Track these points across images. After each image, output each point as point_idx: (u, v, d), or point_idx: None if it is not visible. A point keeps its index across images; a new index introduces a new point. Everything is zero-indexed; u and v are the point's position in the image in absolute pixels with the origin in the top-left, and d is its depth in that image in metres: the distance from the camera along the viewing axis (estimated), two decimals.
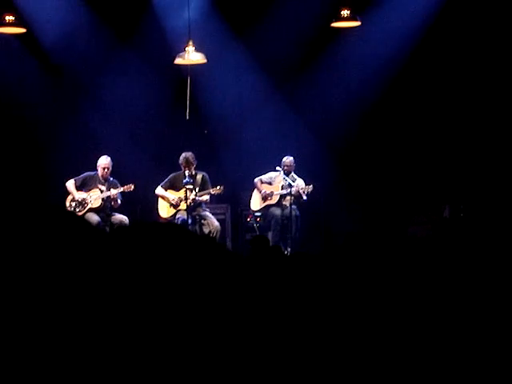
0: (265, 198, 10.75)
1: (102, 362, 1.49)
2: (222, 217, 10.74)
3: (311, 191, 10.39)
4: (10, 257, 1.58)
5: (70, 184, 10.11)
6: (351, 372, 1.96)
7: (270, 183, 10.79)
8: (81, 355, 1.50)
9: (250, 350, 1.62)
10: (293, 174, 10.69)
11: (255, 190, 10.84)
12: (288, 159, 10.66)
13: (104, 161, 10.10)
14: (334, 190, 11.21)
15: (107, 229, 9.98)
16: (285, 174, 10.58)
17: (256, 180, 10.80)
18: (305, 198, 10.38)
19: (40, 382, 1.50)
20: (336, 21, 10.11)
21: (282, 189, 10.64)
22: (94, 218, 9.88)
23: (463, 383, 2.03)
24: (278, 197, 10.67)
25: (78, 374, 1.51)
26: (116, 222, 10.03)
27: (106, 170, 10.09)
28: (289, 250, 10.15)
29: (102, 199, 10.06)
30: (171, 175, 10.34)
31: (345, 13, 10.04)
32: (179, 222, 9.96)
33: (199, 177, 10.23)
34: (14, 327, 1.52)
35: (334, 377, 1.93)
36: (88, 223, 1.78)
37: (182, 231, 1.71)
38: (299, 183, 10.55)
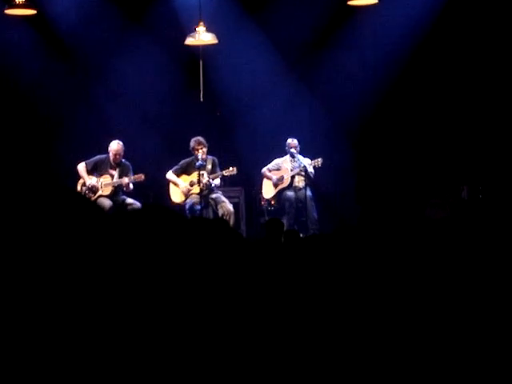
0: (276, 184, 10.74)
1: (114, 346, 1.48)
2: (235, 200, 10.69)
3: (321, 163, 10.42)
4: (19, 239, 1.54)
5: (81, 167, 10.06)
6: (370, 355, 1.91)
7: (277, 169, 10.81)
8: (87, 344, 1.49)
9: (266, 333, 1.62)
10: (298, 155, 10.64)
11: (265, 180, 10.82)
12: (293, 141, 10.69)
13: (115, 146, 10.04)
14: (349, 171, 11.13)
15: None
16: (291, 156, 10.62)
17: (263, 170, 10.81)
18: (311, 170, 10.39)
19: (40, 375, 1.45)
20: None
21: (292, 170, 10.62)
22: (106, 202, 9.85)
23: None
24: (289, 179, 10.67)
25: (81, 365, 1.48)
26: (129, 206, 9.99)
27: (117, 155, 10.02)
28: (311, 232, 10.10)
29: (113, 186, 10.00)
30: (182, 161, 10.29)
31: None
32: (187, 207, 9.93)
33: (209, 161, 10.19)
34: (20, 311, 1.48)
35: (354, 361, 1.88)
36: (99, 207, 1.76)
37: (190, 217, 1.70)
38: (306, 162, 10.52)
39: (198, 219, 1.83)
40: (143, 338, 1.50)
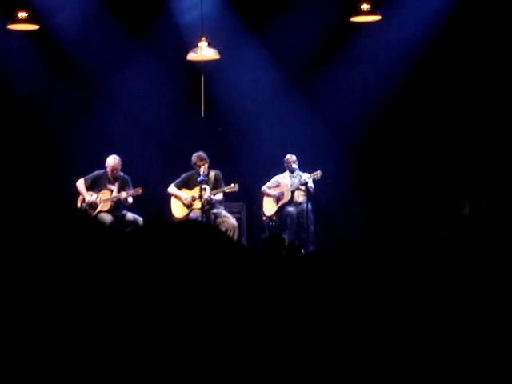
0: (278, 200, 10.77)
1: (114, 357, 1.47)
2: (237, 215, 10.69)
3: (321, 175, 10.44)
4: (18, 255, 1.54)
5: (80, 184, 10.04)
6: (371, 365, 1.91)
7: (277, 186, 10.84)
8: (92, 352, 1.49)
9: (264, 349, 1.63)
10: (298, 171, 10.66)
11: (265, 197, 10.82)
12: (291, 157, 10.71)
13: (112, 161, 10.01)
14: (350, 186, 11.11)
15: (120, 228, 9.93)
16: (290, 171, 10.67)
17: (263, 188, 10.83)
18: (311, 185, 10.43)
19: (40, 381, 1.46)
20: (356, 15, 9.97)
21: (291, 186, 10.65)
22: (107, 218, 9.82)
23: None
24: (290, 194, 10.69)
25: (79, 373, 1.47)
26: (130, 220, 9.96)
27: (114, 170, 10.01)
28: (309, 244, 10.14)
29: (112, 201, 9.97)
30: (184, 175, 10.30)
31: (365, 7, 9.93)
32: None
33: (212, 175, 10.20)
34: (17, 325, 1.50)
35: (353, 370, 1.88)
36: (100, 223, 1.76)
37: (199, 229, 1.69)
38: (305, 177, 10.56)
39: (197, 232, 1.81)
40: (146, 345, 1.50)
